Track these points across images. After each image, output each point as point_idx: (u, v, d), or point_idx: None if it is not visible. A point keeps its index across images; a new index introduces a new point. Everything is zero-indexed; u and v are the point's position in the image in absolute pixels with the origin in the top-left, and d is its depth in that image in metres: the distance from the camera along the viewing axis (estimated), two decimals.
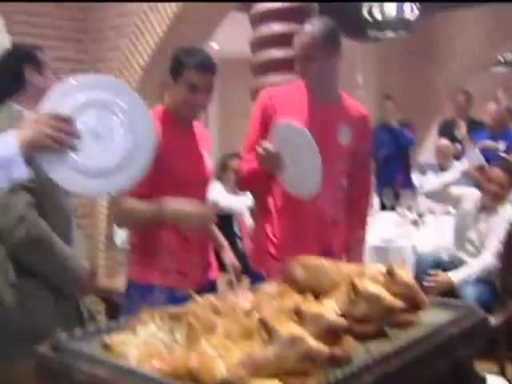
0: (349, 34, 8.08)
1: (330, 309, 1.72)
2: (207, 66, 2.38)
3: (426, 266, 4.25)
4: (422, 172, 9.17)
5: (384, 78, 8.59)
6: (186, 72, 2.36)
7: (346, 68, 9.27)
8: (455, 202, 4.35)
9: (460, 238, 4.26)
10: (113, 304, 3.88)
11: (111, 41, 5.19)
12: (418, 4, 6.03)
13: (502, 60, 9.28)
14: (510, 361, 3.93)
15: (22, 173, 1.51)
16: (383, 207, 5.88)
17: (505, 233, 3.89)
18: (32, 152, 1.52)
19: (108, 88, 1.62)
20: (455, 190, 4.37)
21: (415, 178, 8.48)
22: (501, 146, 6.00)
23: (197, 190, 2.49)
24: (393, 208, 5.55)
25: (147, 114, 1.67)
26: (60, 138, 1.52)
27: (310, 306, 1.74)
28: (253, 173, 2.59)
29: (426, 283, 3.89)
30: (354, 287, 1.73)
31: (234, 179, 3.64)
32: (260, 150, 2.42)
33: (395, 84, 8.39)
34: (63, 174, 1.55)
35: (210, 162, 2.63)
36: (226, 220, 4.74)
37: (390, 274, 1.84)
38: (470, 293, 3.84)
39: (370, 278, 1.84)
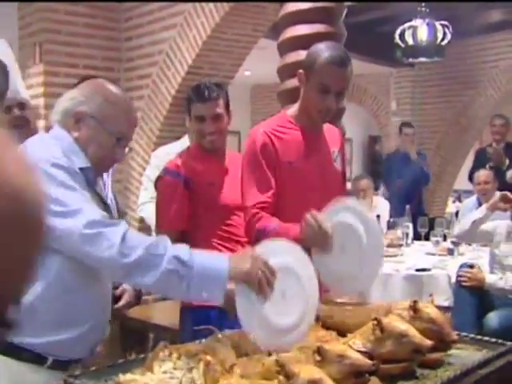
0: (383, 60, 8.07)
1: (354, 348, 1.65)
2: (204, 95, 2.56)
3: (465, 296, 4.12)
4: (459, 199, 9.05)
5: (418, 104, 8.50)
6: (192, 107, 2.60)
7: (380, 94, 9.30)
8: (489, 237, 4.21)
9: (496, 267, 4.13)
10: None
11: (142, 69, 5.23)
12: (450, 28, 5.96)
13: None
14: None
15: (220, 295, 1.65)
16: (417, 236, 5.75)
17: None
18: (237, 281, 1.68)
19: (295, 254, 1.82)
20: (487, 226, 4.23)
21: (453, 205, 8.38)
22: None
23: (239, 216, 2.54)
24: (427, 237, 5.42)
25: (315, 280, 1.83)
26: (263, 284, 1.67)
27: (334, 344, 1.67)
28: (274, 234, 2.17)
29: (460, 274, 3.85)
30: (379, 324, 1.66)
31: None
32: (312, 221, 2.08)
33: (430, 110, 8.29)
34: (249, 316, 1.69)
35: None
36: None
37: (414, 309, 1.76)
38: (493, 317, 3.73)
39: (397, 315, 1.76)
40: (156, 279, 1.62)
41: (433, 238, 5.17)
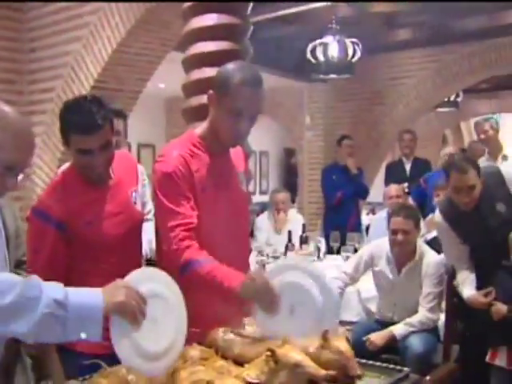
0: (296, 75, 8.15)
1: (247, 380, 1.60)
2: (89, 127, 2.13)
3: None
4: (372, 211, 9.21)
5: (332, 119, 8.62)
6: (71, 138, 2.18)
7: (295, 108, 9.40)
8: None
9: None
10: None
11: (46, 82, 5.05)
12: (360, 46, 6.07)
13: (447, 100, 9.43)
14: None
15: (97, 332, 1.57)
16: (330, 250, 5.79)
17: (441, 283, 3.84)
18: (112, 314, 1.62)
19: (163, 279, 1.82)
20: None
21: (364, 217, 8.49)
22: None
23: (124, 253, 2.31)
24: (338, 251, 5.45)
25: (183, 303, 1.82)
26: (136, 313, 1.64)
27: (226, 378, 1.62)
28: (211, 277, 2.02)
29: (371, 337, 3.78)
30: (273, 355, 1.62)
31: None
32: (258, 278, 1.93)
33: (343, 125, 8.42)
34: (125, 345, 1.66)
35: (139, 202, 2.44)
36: None
37: (325, 339, 1.73)
38: (416, 342, 3.74)
39: (296, 346, 1.71)
40: (32, 324, 1.49)
41: (343, 253, 5.20)
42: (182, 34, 3.49)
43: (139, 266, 2.32)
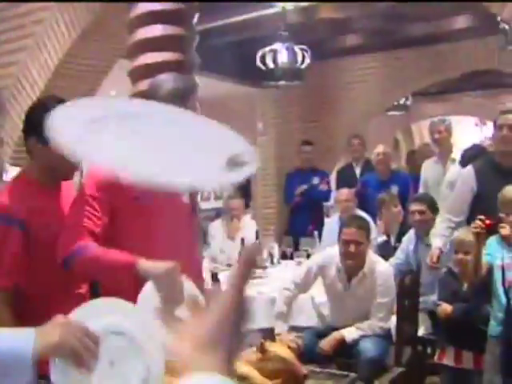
0: (247, 81, 8.16)
1: None
2: None
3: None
4: (327, 215, 9.29)
5: (284, 124, 8.67)
6: None
7: (246, 115, 9.38)
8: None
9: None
10: None
11: None
12: (309, 52, 6.11)
13: (396, 104, 9.58)
14: None
15: (27, 380, 1.33)
16: (284, 256, 5.83)
17: (392, 292, 3.89)
18: (47, 357, 1.40)
19: (126, 311, 1.54)
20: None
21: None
22: (393, 189, 6.10)
23: None
24: (292, 257, 5.50)
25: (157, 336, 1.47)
26: (82, 355, 1.38)
27: None
28: (103, 258, 2.07)
29: (320, 345, 3.80)
30: None
31: None
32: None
33: (295, 130, 8.48)
34: None
35: None
36: None
37: (262, 351, 1.74)
38: (368, 346, 3.79)
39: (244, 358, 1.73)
40: None
41: (296, 259, 5.24)
42: (128, 46, 3.47)
43: None
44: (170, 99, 2.13)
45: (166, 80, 2.22)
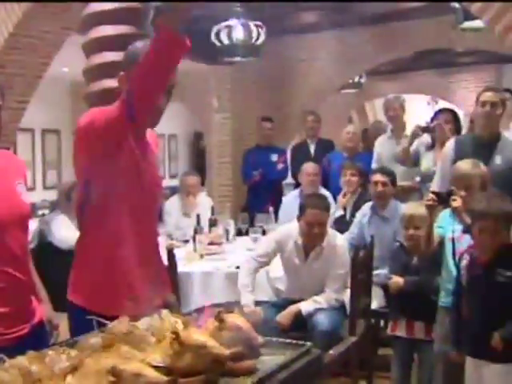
0: (202, 58, 8.11)
1: (152, 364, 1.61)
2: None
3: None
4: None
5: (239, 101, 8.65)
6: None
7: (202, 92, 9.34)
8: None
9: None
10: None
11: None
12: (264, 29, 6.10)
13: (351, 82, 9.65)
14: (362, 378, 4.13)
15: None
16: (240, 232, 5.85)
17: (346, 265, 3.97)
18: None
19: None
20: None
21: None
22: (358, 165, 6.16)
23: (13, 231, 2.17)
24: (247, 233, 5.52)
25: None
26: None
27: (130, 362, 1.62)
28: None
29: (277, 318, 3.86)
30: (177, 338, 1.64)
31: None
32: None
33: (250, 107, 8.48)
34: None
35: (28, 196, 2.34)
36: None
37: (220, 320, 1.76)
38: (323, 319, 3.87)
39: (200, 327, 1.75)
40: None
41: (252, 235, 5.26)
42: (82, 18, 3.41)
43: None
44: None
45: (145, 46, 2.17)
